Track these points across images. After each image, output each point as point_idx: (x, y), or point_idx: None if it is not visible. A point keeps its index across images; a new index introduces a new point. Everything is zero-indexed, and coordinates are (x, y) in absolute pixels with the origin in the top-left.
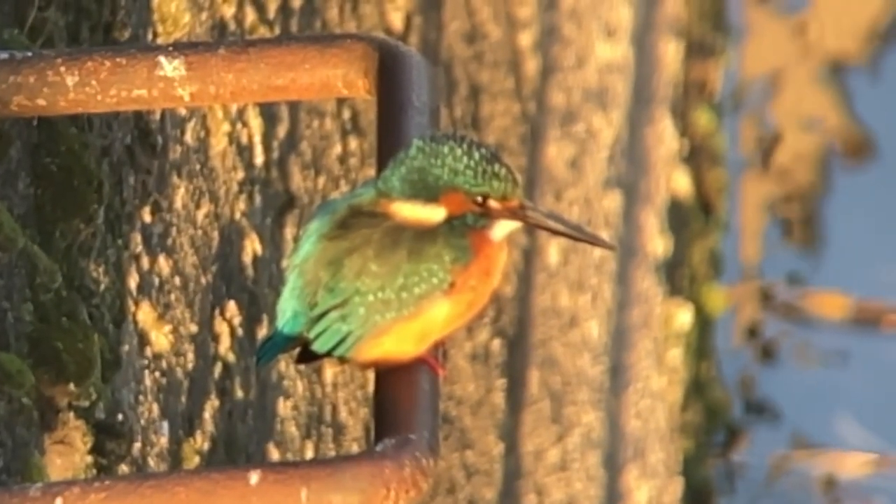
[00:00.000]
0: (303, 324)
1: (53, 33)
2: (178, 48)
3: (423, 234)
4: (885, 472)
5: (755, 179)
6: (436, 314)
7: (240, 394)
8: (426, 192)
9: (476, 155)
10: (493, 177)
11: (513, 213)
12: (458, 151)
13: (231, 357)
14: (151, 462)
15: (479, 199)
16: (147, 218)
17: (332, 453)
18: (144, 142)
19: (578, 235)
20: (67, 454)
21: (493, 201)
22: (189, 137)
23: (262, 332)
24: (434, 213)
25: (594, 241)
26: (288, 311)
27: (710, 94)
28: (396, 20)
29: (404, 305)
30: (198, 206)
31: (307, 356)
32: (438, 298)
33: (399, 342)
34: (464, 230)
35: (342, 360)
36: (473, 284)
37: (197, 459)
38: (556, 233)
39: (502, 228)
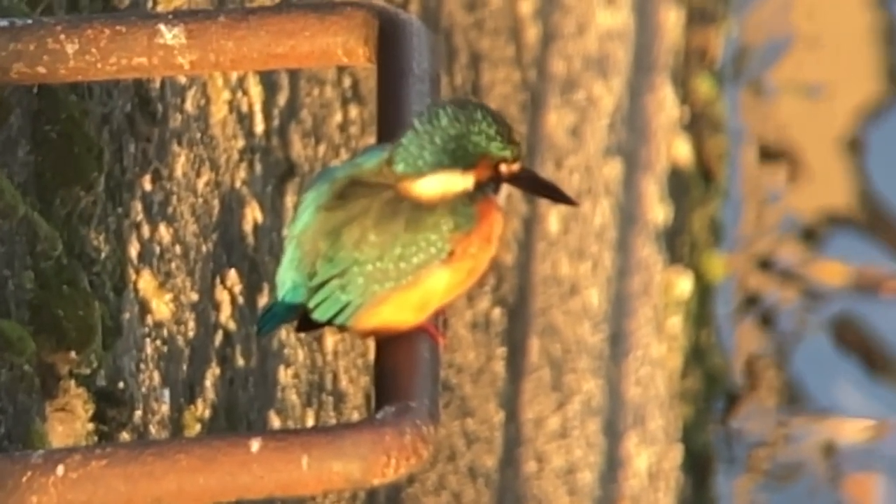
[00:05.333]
0: (302, 294)
1: (53, 1)
2: (178, 16)
3: (421, 204)
4: (884, 438)
5: (755, 146)
6: (435, 283)
7: (241, 362)
8: (464, 160)
9: (499, 118)
10: (512, 140)
11: (513, 177)
12: (490, 117)
13: (232, 325)
14: (152, 429)
15: (497, 163)
16: (147, 186)
17: (333, 421)
18: (144, 110)
19: (558, 196)
20: (69, 421)
21: (504, 165)
22: (189, 105)
23: (263, 300)
24: (465, 182)
25: (567, 200)
26: (287, 282)
27: (710, 61)
28: None
29: (402, 275)
30: (198, 175)
31: (307, 325)
32: (437, 268)
33: (398, 311)
34: (475, 197)
35: (342, 328)
36: (473, 252)
37: (198, 427)
38: (541, 194)
39: (504, 192)
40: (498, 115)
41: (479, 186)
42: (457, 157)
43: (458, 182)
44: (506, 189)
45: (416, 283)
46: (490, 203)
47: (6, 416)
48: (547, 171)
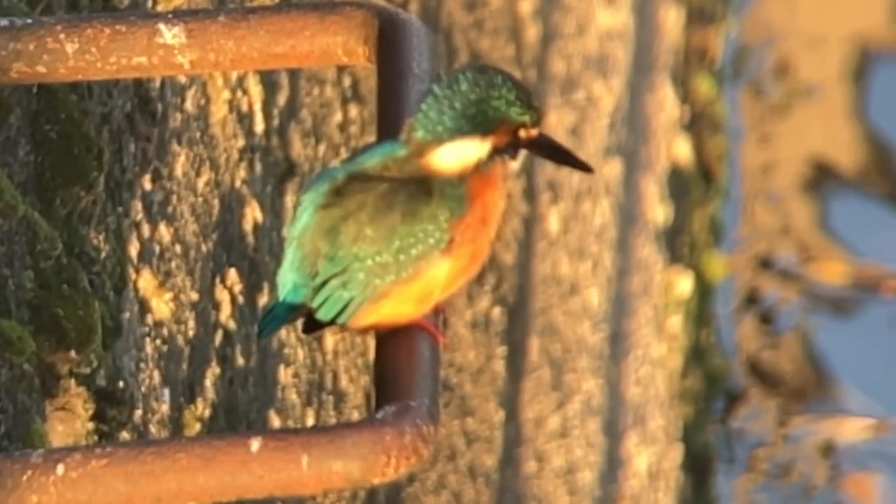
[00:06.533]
0: (304, 295)
1: (53, 0)
2: (178, 15)
3: (417, 195)
4: (883, 437)
5: (755, 146)
6: (436, 273)
7: (241, 361)
8: (484, 126)
9: (518, 84)
10: (531, 105)
11: (530, 143)
12: (509, 82)
13: (232, 324)
14: (152, 429)
15: (516, 129)
16: (147, 185)
17: (333, 421)
18: (144, 109)
19: (576, 163)
20: (69, 421)
21: (523, 131)
22: (189, 105)
23: (263, 299)
24: (482, 149)
25: (584, 167)
26: (288, 283)
27: (710, 61)
28: None
29: (403, 268)
30: (198, 174)
31: (312, 325)
32: (437, 258)
33: (400, 304)
34: (465, 177)
35: (344, 326)
36: (472, 236)
37: (198, 426)
38: (558, 161)
39: (520, 156)
40: (517, 81)
41: (497, 152)
42: (476, 122)
43: (476, 149)
44: (518, 163)
45: (416, 275)
46: (485, 181)
47: (6, 416)
48: (547, 170)
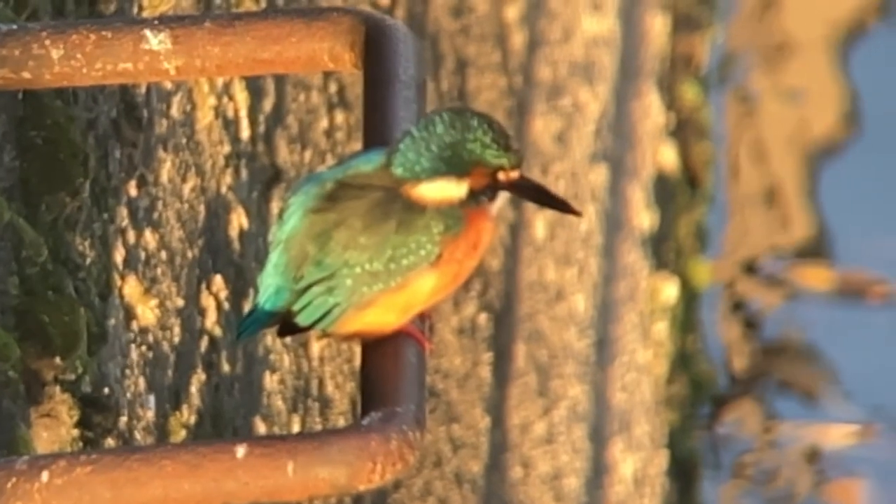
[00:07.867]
0: (285, 298)
1: (38, 6)
2: (164, 21)
3: (412, 205)
4: (868, 442)
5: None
6: (421, 286)
7: (226, 368)
8: (459, 167)
9: (496, 127)
10: (508, 149)
11: (512, 185)
12: (485, 125)
13: (217, 331)
14: (138, 435)
15: (494, 171)
16: (133, 192)
17: (319, 427)
18: (130, 115)
19: (560, 206)
20: (54, 427)
21: (502, 173)
22: (175, 111)
23: (249, 306)
24: (459, 190)
25: (569, 209)
26: (270, 286)
27: (696, 67)
28: None
29: (392, 277)
30: (184, 180)
31: (289, 329)
32: (425, 270)
33: (383, 313)
34: (466, 204)
35: (324, 332)
36: (459, 257)
37: (183, 433)
38: (542, 204)
39: (501, 200)
40: (495, 123)
41: (475, 194)
42: (452, 164)
43: (452, 190)
44: (502, 199)
45: (403, 286)
46: (481, 212)
47: None
48: (533, 177)
